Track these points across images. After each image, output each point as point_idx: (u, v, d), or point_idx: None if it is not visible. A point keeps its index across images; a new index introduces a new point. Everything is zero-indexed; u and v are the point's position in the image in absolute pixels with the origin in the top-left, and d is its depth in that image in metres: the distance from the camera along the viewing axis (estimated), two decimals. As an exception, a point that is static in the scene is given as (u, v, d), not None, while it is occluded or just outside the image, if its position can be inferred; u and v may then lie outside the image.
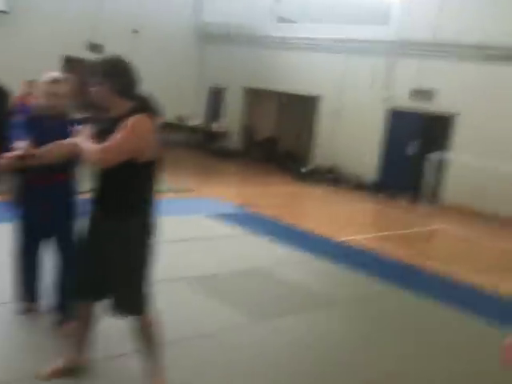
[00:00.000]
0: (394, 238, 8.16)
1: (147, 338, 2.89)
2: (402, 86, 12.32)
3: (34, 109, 3.58)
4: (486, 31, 10.74)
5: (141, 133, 2.64)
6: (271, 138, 16.11)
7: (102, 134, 2.71)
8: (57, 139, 3.17)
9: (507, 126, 10.78)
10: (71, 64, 12.94)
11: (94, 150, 2.64)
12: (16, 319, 3.63)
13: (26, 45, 12.35)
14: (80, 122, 3.23)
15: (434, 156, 11.28)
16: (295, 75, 14.29)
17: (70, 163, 3.34)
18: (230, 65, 15.57)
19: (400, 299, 5.25)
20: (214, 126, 15.92)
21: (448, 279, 6.09)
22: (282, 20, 15.85)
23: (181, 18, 15.64)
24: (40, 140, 3.17)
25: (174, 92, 14.42)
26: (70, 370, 3.01)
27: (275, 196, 10.66)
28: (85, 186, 3.20)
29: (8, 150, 3.15)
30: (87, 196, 2.90)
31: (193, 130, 15.84)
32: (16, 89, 7.92)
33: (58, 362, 3.02)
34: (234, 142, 15.88)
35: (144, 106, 2.75)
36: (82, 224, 2.96)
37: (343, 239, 7.50)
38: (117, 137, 2.61)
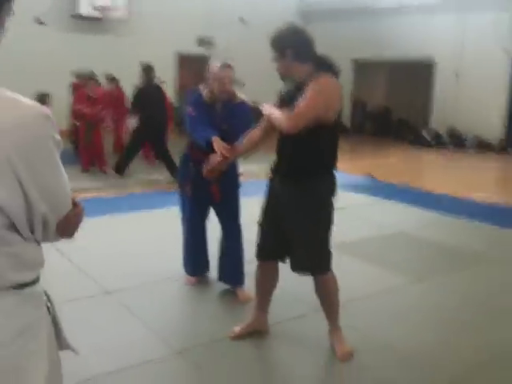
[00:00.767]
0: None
1: (328, 295, 3.00)
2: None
3: (204, 96, 3.58)
4: None
5: (327, 93, 2.67)
6: (384, 108, 15.75)
7: (288, 102, 2.77)
8: (235, 123, 3.36)
9: None
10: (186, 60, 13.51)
11: (283, 118, 2.69)
12: (189, 291, 3.89)
13: (144, 49, 12.97)
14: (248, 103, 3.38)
15: None
16: (406, 41, 13.79)
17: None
18: (335, 39, 15.36)
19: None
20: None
21: None
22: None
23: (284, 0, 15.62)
24: (219, 127, 3.37)
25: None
26: (253, 333, 3.19)
27: (397, 164, 10.46)
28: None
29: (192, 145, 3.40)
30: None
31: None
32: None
33: (241, 326, 3.21)
34: (345, 117, 15.71)
35: (326, 67, 2.77)
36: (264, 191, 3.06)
37: (479, 199, 7.23)
38: (304, 102, 2.63)
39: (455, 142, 12.68)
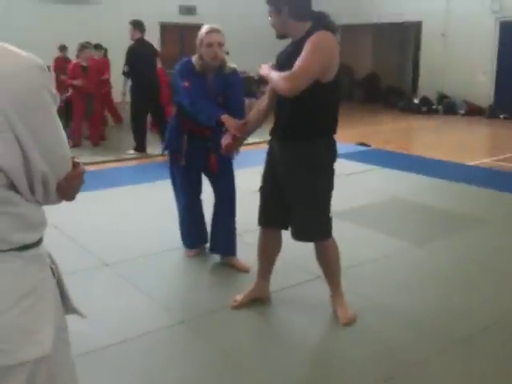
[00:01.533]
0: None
1: (330, 262, 2.98)
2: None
3: (194, 65, 3.40)
4: None
5: (324, 50, 2.56)
6: (371, 75, 15.61)
7: (286, 62, 2.68)
8: (230, 95, 3.28)
9: None
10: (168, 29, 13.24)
11: (281, 79, 2.58)
12: (188, 262, 3.84)
13: (125, 20, 12.63)
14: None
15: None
16: (391, 3, 13.59)
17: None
18: (317, 4, 15.14)
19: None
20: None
21: None
22: None
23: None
24: (214, 99, 3.29)
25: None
26: (254, 301, 3.17)
27: (388, 131, 10.42)
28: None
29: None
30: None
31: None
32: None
33: (242, 294, 3.19)
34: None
35: (323, 23, 2.66)
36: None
37: (473, 163, 7.24)
38: (301, 61, 2.52)
39: (445, 107, 12.64)
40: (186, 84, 3.33)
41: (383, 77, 15.39)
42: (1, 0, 11.12)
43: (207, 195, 3.82)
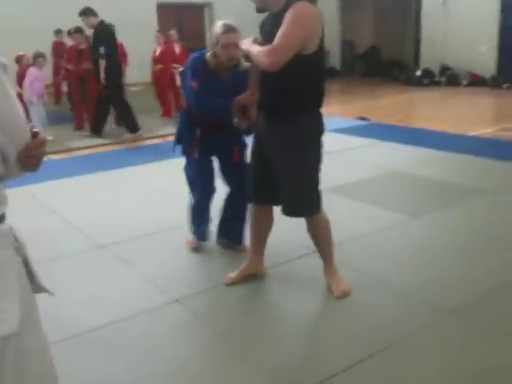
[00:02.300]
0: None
1: (321, 236, 2.96)
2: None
3: (208, 61, 3.24)
4: None
5: (304, 22, 2.51)
6: (372, 48, 15.44)
7: (266, 36, 2.63)
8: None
9: None
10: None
11: (261, 54, 2.54)
12: (182, 242, 3.78)
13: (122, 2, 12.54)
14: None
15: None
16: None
17: None
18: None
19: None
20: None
21: None
22: None
23: None
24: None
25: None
26: (249, 277, 3.17)
27: (391, 105, 10.32)
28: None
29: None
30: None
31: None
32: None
33: (236, 271, 3.19)
34: (334, 59, 15.45)
35: None
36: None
37: (476, 134, 7.17)
38: (281, 34, 2.47)
39: (448, 79, 12.50)
40: (194, 85, 3.20)
41: (385, 50, 15.22)
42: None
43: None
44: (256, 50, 2.61)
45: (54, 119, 8.31)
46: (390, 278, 3.21)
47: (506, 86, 11.51)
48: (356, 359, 2.43)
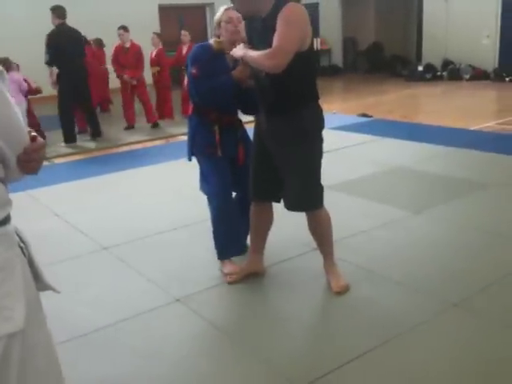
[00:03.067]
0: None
1: (322, 232, 2.97)
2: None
3: (211, 46, 3.21)
4: None
5: (299, 22, 2.56)
6: (375, 44, 15.40)
7: (260, 39, 2.66)
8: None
9: None
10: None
11: (263, 58, 2.56)
12: (185, 243, 3.84)
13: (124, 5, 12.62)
14: None
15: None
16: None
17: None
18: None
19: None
20: (316, 44, 15.53)
21: None
22: None
23: None
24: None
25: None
26: (249, 276, 3.19)
27: (393, 101, 10.30)
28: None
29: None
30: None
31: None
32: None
33: (240, 269, 3.21)
34: (337, 57, 15.43)
35: None
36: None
37: (478, 128, 7.15)
38: (280, 37, 2.51)
39: (450, 73, 12.46)
40: (194, 71, 3.14)
41: (387, 46, 15.17)
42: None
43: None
44: (255, 53, 2.63)
45: (54, 123, 8.32)
46: (392, 273, 3.21)
47: (508, 79, 11.47)
48: (361, 351, 2.45)
